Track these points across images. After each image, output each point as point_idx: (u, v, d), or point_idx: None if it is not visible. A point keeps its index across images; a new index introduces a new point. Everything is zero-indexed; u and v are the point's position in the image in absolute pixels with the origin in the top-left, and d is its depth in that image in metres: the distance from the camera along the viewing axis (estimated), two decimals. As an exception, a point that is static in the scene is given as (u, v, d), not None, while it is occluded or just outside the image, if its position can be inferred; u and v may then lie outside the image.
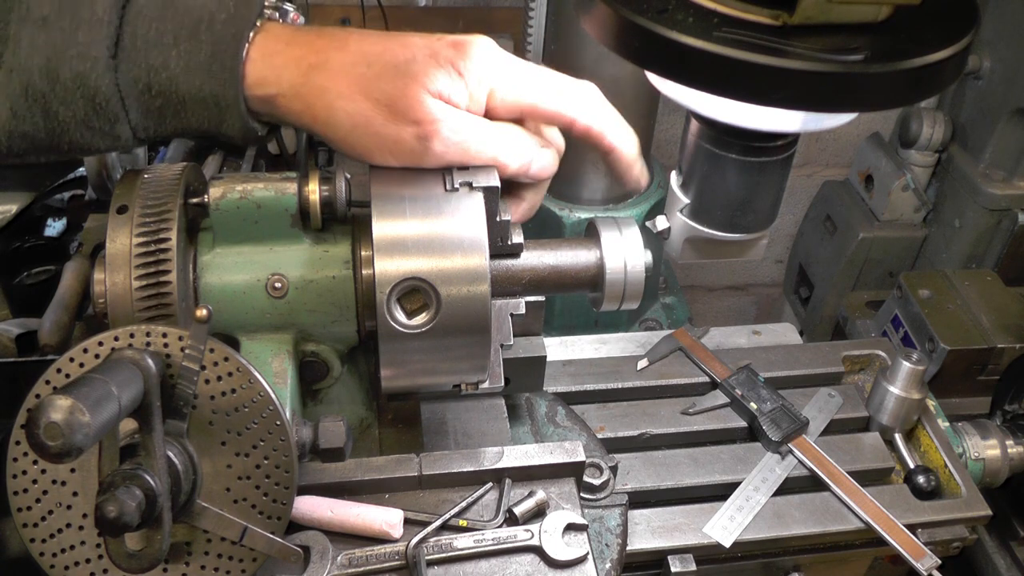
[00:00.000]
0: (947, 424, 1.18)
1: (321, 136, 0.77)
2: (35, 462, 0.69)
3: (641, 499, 1.03)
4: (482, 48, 0.78)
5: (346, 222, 0.83)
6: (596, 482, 0.96)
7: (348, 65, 0.75)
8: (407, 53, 0.75)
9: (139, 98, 0.74)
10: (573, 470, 0.90)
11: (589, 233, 0.91)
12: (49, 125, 0.74)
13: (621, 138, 0.83)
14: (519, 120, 0.81)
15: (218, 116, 0.75)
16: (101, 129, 0.75)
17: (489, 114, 0.79)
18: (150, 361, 0.66)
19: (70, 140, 0.76)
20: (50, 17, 0.72)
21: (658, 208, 1.49)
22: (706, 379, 1.15)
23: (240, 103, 0.74)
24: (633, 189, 0.86)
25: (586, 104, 0.82)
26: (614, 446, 1.07)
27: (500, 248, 0.85)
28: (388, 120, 0.75)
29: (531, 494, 0.87)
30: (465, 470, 0.87)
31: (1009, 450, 1.19)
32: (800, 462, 1.06)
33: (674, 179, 1.00)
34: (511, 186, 0.86)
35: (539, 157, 0.83)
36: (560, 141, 0.86)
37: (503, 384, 0.88)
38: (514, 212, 0.87)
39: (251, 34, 0.74)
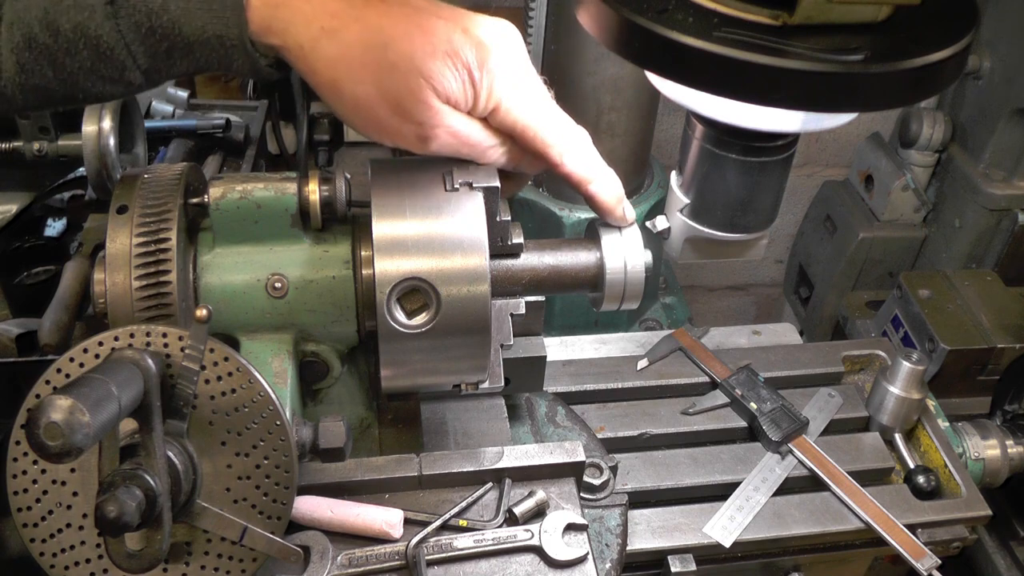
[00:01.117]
0: (947, 424, 1.18)
1: (322, 100, 0.75)
2: (35, 462, 0.69)
3: (641, 499, 1.03)
4: (504, 58, 0.76)
5: (346, 222, 0.83)
6: (596, 482, 0.96)
7: (363, 43, 0.71)
8: (427, 44, 0.72)
9: (144, 42, 0.71)
10: (573, 470, 0.90)
11: (589, 233, 0.91)
12: (59, 76, 0.73)
13: (600, 187, 0.84)
14: (508, 138, 0.81)
15: (225, 56, 0.72)
16: (111, 77, 0.73)
17: (485, 121, 0.79)
18: (150, 361, 0.66)
19: (83, 89, 0.74)
20: None
21: (658, 208, 1.49)
22: (706, 379, 1.15)
23: (246, 43, 0.71)
24: (618, 225, 0.87)
25: (575, 150, 0.82)
26: (614, 446, 1.06)
27: (500, 248, 0.85)
28: (392, 113, 0.73)
29: (531, 494, 0.87)
30: (465, 470, 0.87)
31: (1009, 450, 1.19)
32: (800, 462, 1.06)
33: (674, 179, 1.00)
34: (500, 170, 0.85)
35: (526, 160, 0.83)
36: None
37: (503, 384, 0.88)
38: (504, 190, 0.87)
39: None
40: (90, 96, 0.75)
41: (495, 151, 0.80)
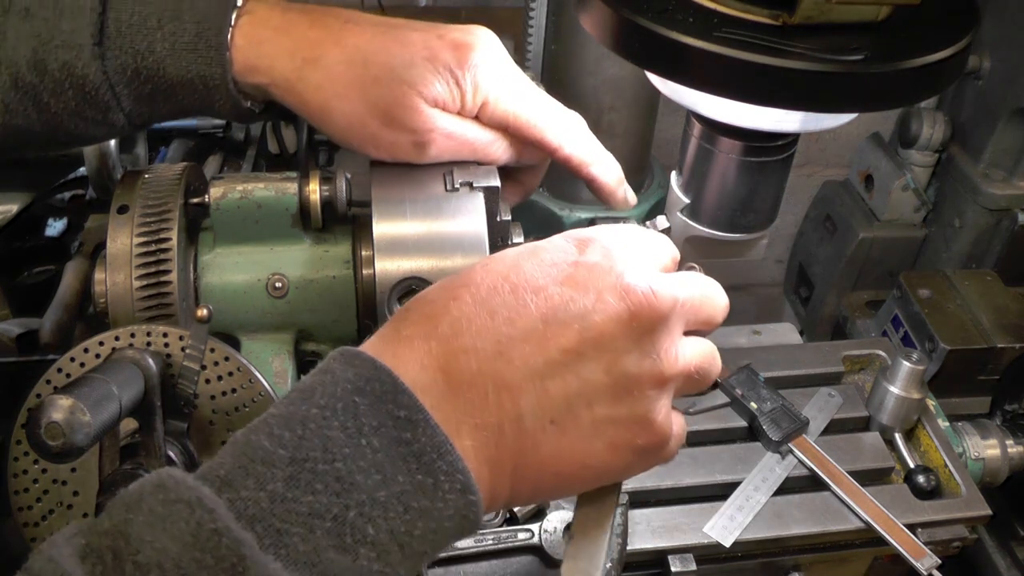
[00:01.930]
0: (947, 424, 1.18)
1: (316, 128, 0.76)
2: (36, 462, 0.69)
3: (641, 499, 1.03)
4: (482, 55, 0.76)
5: (346, 222, 0.83)
6: (596, 482, 0.96)
7: (344, 63, 0.73)
8: (405, 54, 0.74)
9: (128, 85, 0.73)
10: (573, 470, 0.90)
11: (589, 233, 0.91)
12: (43, 118, 0.74)
13: (602, 168, 0.83)
14: (503, 131, 0.81)
15: (207, 97, 0.74)
16: (94, 119, 0.74)
17: (477, 119, 0.79)
18: (151, 361, 0.66)
19: (66, 131, 0.75)
20: (32, 7, 0.72)
21: (658, 208, 1.49)
22: (706, 379, 1.15)
23: (228, 83, 0.73)
24: (620, 210, 0.86)
25: (571, 133, 0.82)
26: (614, 446, 1.06)
27: (500, 248, 0.85)
28: (385, 125, 0.74)
29: (531, 494, 0.87)
30: (465, 470, 0.87)
31: (1009, 450, 1.19)
32: (800, 462, 1.06)
33: (674, 179, 1.00)
34: (509, 171, 0.86)
35: (526, 152, 0.83)
36: None
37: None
38: (511, 196, 0.87)
39: (233, 14, 0.72)
40: (72, 139, 0.77)
41: (493, 147, 0.80)
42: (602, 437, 0.58)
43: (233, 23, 0.72)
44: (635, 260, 0.61)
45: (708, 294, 0.65)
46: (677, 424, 0.63)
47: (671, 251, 0.68)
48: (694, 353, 0.63)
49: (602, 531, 0.63)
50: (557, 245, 0.62)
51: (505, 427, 0.56)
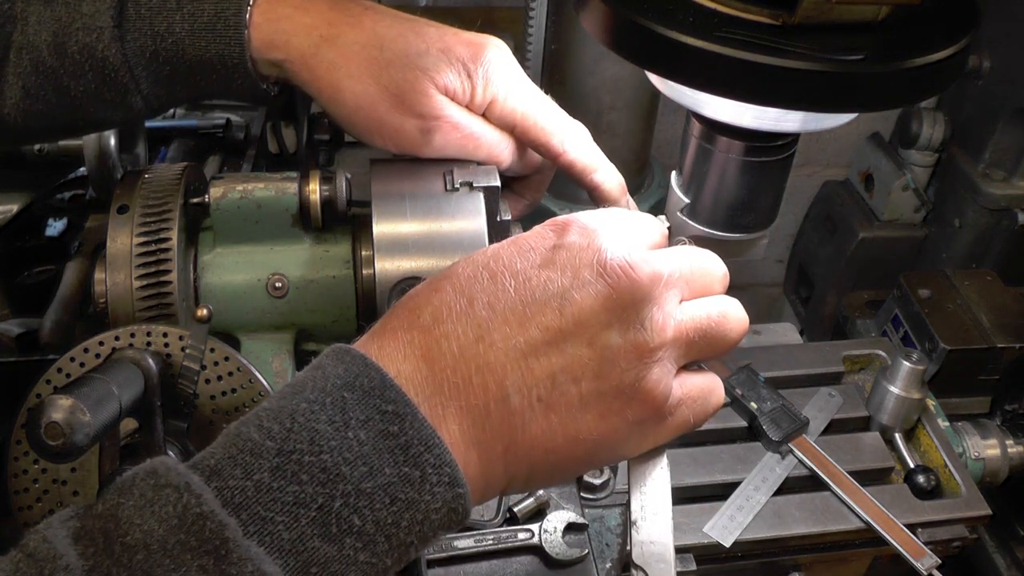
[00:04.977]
0: (947, 424, 1.18)
1: (324, 108, 0.77)
2: (36, 462, 0.69)
3: (641, 499, 1.03)
4: (494, 54, 0.77)
5: (346, 222, 0.83)
6: (596, 482, 0.96)
7: (361, 44, 0.74)
8: (421, 43, 0.75)
9: (147, 67, 0.74)
10: (573, 470, 0.90)
11: (589, 233, 0.91)
12: (63, 101, 0.74)
13: (605, 177, 0.84)
14: (509, 132, 0.81)
15: (226, 77, 0.74)
16: (113, 101, 0.75)
17: (484, 118, 0.80)
18: (151, 361, 0.66)
19: (85, 114, 0.76)
20: None
21: (658, 208, 1.49)
22: (706, 379, 1.15)
23: (247, 62, 0.73)
24: None
25: (576, 140, 0.82)
26: (614, 446, 1.06)
27: (500, 248, 0.85)
28: (393, 109, 0.74)
29: (531, 493, 0.87)
30: (465, 470, 0.87)
31: (1009, 450, 1.19)
32: (800, 462, 1.06)
33: (674, 179, 1.00)
34: (512, 184, 0.86)
35: (528, 156, 0.84)
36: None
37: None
38: (514, 209, 0.87)
39: None
40: (91, 122, 0.77)
41: (498, 147, 0.80)
42: (591, 411, 0.58)
43: (252, 2, 0.73)
44: (614, 237, 0.61)
45: (698, 265, 0.65)
46: (695, 387, 0.63)
47: (657, 229, 0.68)
48: (691, 316, 0.62)
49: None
50: (537, 232, 0.63)
51: (491, 408, 0.56)
